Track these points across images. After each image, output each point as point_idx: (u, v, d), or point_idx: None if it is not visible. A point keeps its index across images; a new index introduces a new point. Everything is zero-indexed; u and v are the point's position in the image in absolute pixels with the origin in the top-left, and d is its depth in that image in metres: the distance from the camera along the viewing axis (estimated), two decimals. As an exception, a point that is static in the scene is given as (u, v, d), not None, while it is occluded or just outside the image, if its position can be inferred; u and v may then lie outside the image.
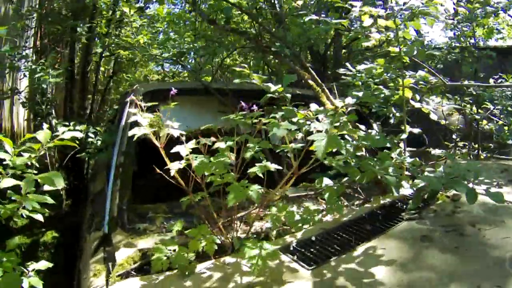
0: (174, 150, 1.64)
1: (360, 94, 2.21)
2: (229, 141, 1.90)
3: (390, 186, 2.76)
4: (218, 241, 1.67)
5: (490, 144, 4.28)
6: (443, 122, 4.48)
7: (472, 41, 4.24)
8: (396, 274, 1.52)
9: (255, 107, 2.17)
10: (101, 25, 5.12)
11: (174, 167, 1.65)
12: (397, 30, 2.50)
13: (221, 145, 1.85)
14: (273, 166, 1.78)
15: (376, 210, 2.24)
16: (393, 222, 2.05)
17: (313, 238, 1.85)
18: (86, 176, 5.48)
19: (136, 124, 1.73)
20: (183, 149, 1.63)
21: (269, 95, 2.07)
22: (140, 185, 2.53)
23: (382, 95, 2.47)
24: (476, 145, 4.25)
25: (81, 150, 4.10)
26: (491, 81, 4.20)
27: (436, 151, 3.22)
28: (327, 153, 2.29)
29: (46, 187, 1.58)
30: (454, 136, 4.73)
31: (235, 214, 1.97)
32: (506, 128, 4.59)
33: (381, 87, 2.48)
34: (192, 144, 1.69)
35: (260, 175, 1.79)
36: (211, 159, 1.70)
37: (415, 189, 2.27)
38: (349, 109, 2.31)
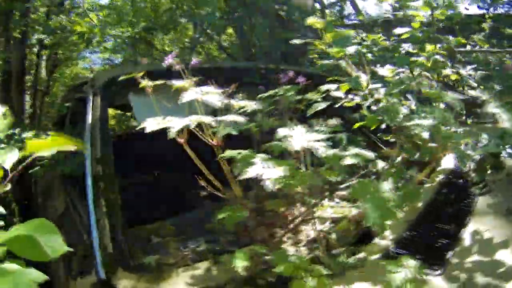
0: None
1: (421, 58, 1.90)
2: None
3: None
4: (326, 272, 1.20)
5: (477, 109, 4.33)
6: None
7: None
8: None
9: (301, 79, 1.78)
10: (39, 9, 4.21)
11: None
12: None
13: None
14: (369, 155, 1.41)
15: (440, 190, 1.98)
16: (469, 200, 1.81)
17: (404, 235, 1.52)
18: (34, 191, 4.53)
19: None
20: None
21: (327, 61, 1.68)
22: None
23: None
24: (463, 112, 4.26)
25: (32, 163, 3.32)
26: (468, 47, 4.21)
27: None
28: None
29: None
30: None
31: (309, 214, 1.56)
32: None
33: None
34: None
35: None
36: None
37: (474, 160, 2.06)
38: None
